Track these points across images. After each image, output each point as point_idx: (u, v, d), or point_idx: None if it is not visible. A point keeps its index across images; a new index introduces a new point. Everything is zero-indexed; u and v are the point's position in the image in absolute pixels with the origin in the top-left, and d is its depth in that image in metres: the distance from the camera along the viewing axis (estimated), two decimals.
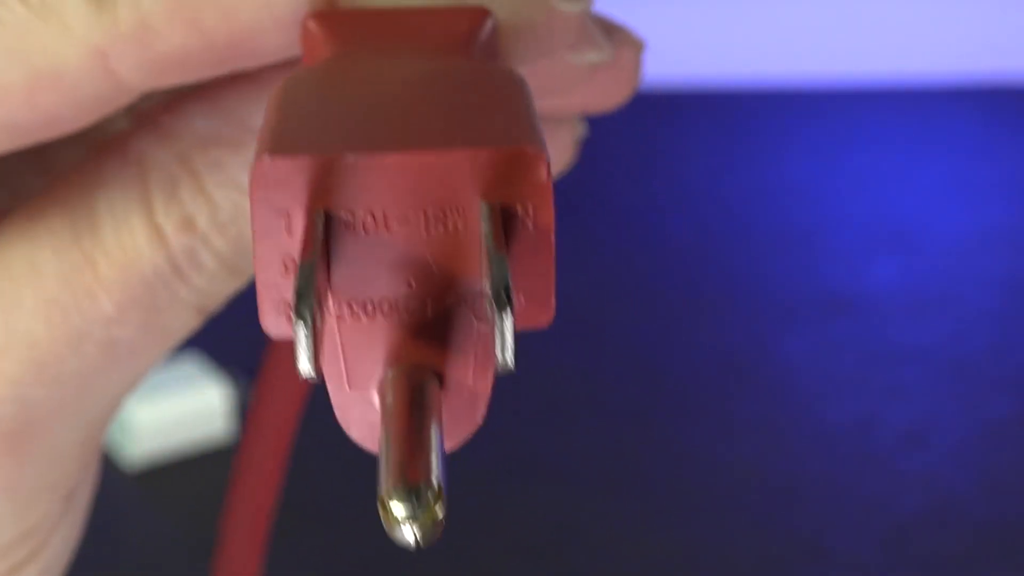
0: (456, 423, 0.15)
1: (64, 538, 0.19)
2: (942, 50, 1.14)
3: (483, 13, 0.16)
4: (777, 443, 0.71)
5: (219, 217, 0.17)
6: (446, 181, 0.13)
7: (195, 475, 0.66)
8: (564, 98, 0.19)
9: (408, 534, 0.12)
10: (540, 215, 0.14)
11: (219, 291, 0.17)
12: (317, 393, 0.70)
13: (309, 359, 0.13)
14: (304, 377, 0.13)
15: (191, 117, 0.17)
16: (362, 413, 0.14)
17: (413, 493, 0.12)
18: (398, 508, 0.12)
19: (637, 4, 1.09)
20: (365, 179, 0.13)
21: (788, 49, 1.13)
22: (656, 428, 0.72)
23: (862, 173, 1.02)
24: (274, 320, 0.14)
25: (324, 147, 0.13)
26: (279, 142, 0.13)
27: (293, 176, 0.13)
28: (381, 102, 0.14)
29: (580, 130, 0.20)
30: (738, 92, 1.11)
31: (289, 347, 0.25)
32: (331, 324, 0.14)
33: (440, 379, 0.14)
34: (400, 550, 0.62)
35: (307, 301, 0.13)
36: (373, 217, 0.14)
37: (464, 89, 0.15)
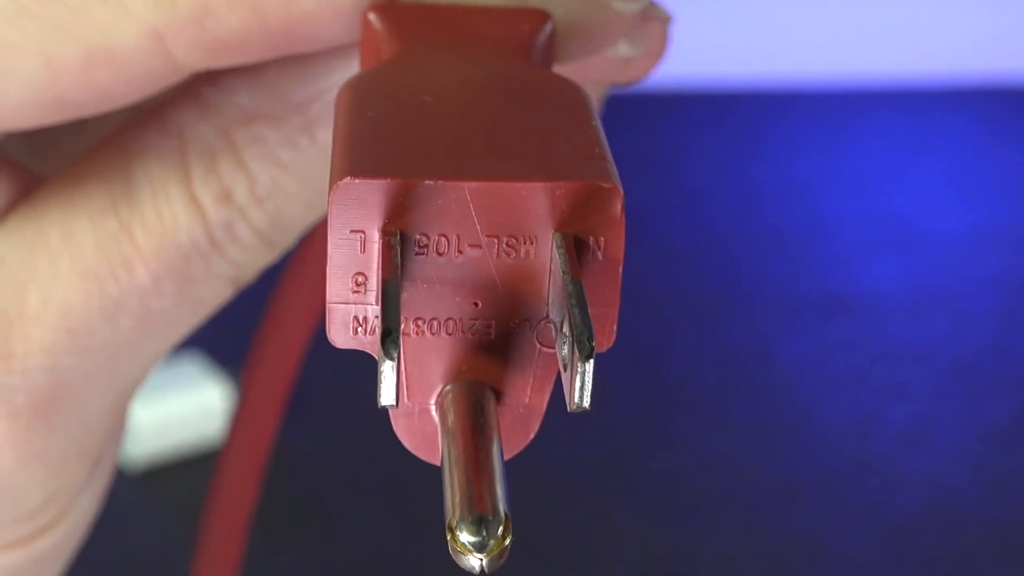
0: (509, 438, 0.15)
1: (89, 502, 0.19)
2: (942, 50, 1.14)
3: (543, 16, 0.16)
4: (777, 443, 0.71)
5: (257, 191, 0.17)
6: (522, 210, 0.14)
7: (195, 475, 0.66)
8: (593, 82, 0.19)
9: (475, 562, 0.13)
10: (611, 247, 0.14)
11: (254, 264, 0.18)
12: (311, 395, 0.70)
13: (394, 392, 0.13)
14: (384, 406, 0.13)
15: (232, 91, 0.17)
16: (417, 423, 0.15)
17: (483, 523, 0.13)
18: (467, 538, 0.13)
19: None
20: (443, 203, 0.14)
21: (788, 49, 1.13)
22: (656, 428, 0.72)
23: (862, 173, 1.02)
24: (342, 334, 0.14)
25: (404, 170, 0.13)
26: (358, 162, 0.14)
27: (372, 197, 0.13)
28: (455, 119, 0.14)
29: (604, 89, 0.20)
30: (738, 92, 1.11)
31: (273, 346, 0.25)
32: None
33: (497, 395, 0.15)
34: (396, 550, 0.62)
35: (395, 339, 0.13)
36: (447, 239, 0.14)
37: (536, 107, 0.15)
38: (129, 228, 0.17)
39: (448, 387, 0.14)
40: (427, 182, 0.13)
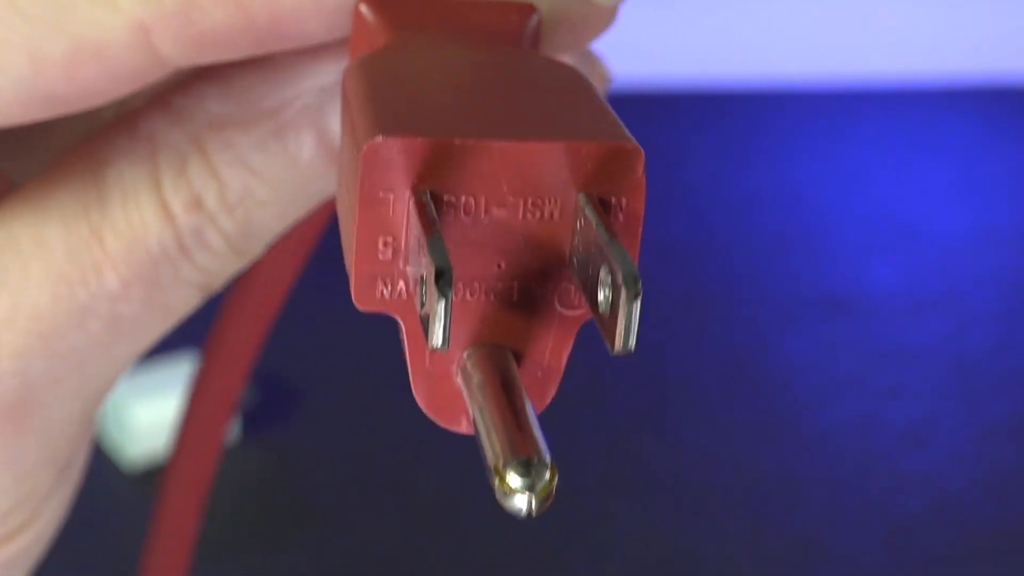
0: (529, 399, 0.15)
1: (57, 508, 0.19)
2: (942, 50, 1.14)
3: (530, 8, 0.17)
4: (777, 443, 0.71)
5: (227, 197, 0.17)
6: (548, 170, 0.14)
7: None
8: None
9: (523, 503, 0.13)
10: (632, 205, 0.14)
11: (223, 271, 0.18)
12: (311, 396, 0.69)
13: (446, 334, 0.13)
14: (433, 350, 0.13)
15: (203, 97, 0.17)
16: (438, 387, 0.15)
17: (530, 465, 0.13)
18: (515, 479, 0.13)
19: (637, 4, 1.09)
20: (472, 163, 0.14)
21: (788, 49, 1.13)
22: (657, 428, 0.72)
23: (862, 173, 1.02)
24: (368, 297, 0.14)
25: (433, 130, 0.14)
26: (388, 123, 0.14)
27: (403, 156, 0.14)
28: (469, 91, 0.15)
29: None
30: (738, 92, 1.11)
31: (217, 363, 0.25)
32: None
33: (516, 358, 0.15)
34: (396, 551, 0.62)
35: (448, 279, 0.13)
36: (474, 200, 0.14)
37: (544, 84, 0.15)
38: (100, 233, 0.17)
39: (468, 351, 0.15)
40: (456, 142, 0.14)
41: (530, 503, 0.13)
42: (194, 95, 0.17)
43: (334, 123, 0.17)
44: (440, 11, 0.16)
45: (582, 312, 0.15)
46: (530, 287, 0.15)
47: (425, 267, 0.13)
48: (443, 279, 0.13)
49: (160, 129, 0.17)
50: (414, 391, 0.15)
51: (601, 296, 0.14)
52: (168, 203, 0.17)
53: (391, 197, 0.14)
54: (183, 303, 0.18)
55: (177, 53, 0.16)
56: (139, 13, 0.16)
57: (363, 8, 0.16)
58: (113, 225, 0.17)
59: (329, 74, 0.17)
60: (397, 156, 0.14)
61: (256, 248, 0.18)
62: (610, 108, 0.15)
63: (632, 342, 0.14)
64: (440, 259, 0.13)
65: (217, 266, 0.17)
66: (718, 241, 0.92)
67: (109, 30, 0.16)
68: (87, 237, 0.17)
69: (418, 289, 0.14)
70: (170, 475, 0.25)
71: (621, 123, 0.15)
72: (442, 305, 0.13)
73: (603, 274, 0.14)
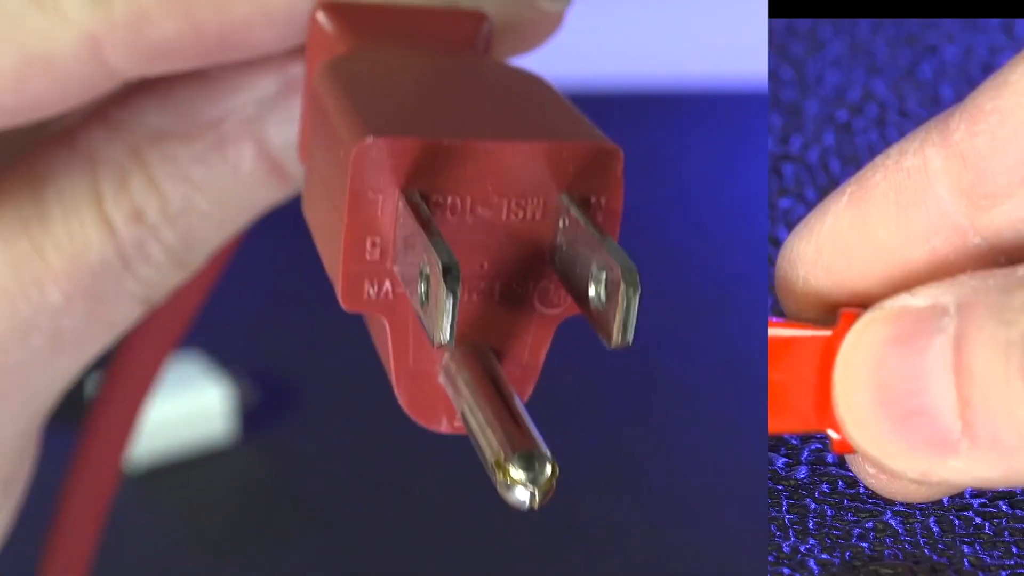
0: None
1: (0, 523, 0.19)
2: None
3: (482, 16, 0.17)
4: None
5: (169, 210, 0.17)
6: (532, 170, 0.14)
7: (195, 475, 0.66)
8: None
9: (525, 496, 0.13)
10: (611, 203, 0.15)
11: (164, 283, 0.18)
12: (312, 397, 0.69)
13: (454, 329, 0.13)
14: (439, 345, 0.14)
15: (142, 111, 0.17)
16: (420, 387, 0.15)
17: (532, 458, 0.13)
18: (519, 472, 0.13)
19: (636, 4, 1.09)
20: (459, 164, 0.14)
21: None
22: (656, 428, 0.72)
23: None
24: (355, 298, 0.15)
25: (421, 130, 0.14)
26: (377, 124, 0.14)
27: (393, 157, 0.14)
28: (444, 94, 0.15)
29: None
30: (738, 92, 1.11)
31: (124, 378, 0.25)
32: (404, 299, 0.15)
33: (496, 356, 0.15)
34: (399, 551, 0.62)
35: (456, 274, 0.13)
36: (459, 201, 0.14)
37: (512, 89, 0.15)
38: (41, 248, 0.17)
39: (450, 351, 0.15)
40: (445, 142, 0.14)
41: (533, 496, 0.13)
42: (133, 109, 0.17)
43: (273, 134, 0.17)
44: (396, 20, 0.17)
45: (561, 310, 0.15)
46: (511, 286, 0.15)
47: (429, 264, 0.13)
48: (451, 275, 0.13)
49: (100, 143, 0.17)
50: (396, 391, 0.15)
51: (592, 291, 0.14)
52: (110, 217, 0.17)
53: (380, 197, 0.14)
54: (125, 316, 0.18)
55: (127, 65, 0.16)
56: (89, 25, 0.15)
57: (320, 17, 0.16)
58: (55, 240, 0.17)
59: (268, 86, 0.17)
60: (386, 157, 0.14)
61: (198, 260, 0.18)
62: (578, 109, 0.15)
63: (631, 334, 0.14)
64: (446, 256, 0.13)
65: (159, 279, 0.17)
66: (718, 241, 0.92)
67: (59, 42, 0.15)
68: (28, 252, 0.17)
69: (416, 286, 0.14)
70: (66, 501, 0.25)
71: (592, 124, 0.15)
72: (451, 300, 0.13)
73: (595, 270, 0.14)
